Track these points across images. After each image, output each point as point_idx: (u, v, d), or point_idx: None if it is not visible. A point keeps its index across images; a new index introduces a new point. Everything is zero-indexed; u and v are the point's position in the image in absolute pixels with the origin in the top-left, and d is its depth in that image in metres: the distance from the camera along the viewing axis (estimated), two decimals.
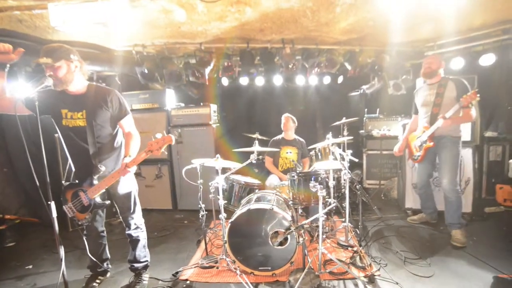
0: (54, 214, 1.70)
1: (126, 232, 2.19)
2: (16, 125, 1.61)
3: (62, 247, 1.70)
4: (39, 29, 2.63)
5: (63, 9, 2.24)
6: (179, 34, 3.10)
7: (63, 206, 1.98)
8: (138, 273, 2.25)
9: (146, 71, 3.56)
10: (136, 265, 2.24)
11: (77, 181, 1.95)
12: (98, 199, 1.92)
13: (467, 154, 3.15)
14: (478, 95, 2.39)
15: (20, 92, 2.89)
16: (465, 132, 3.25)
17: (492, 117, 3.78)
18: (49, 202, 1.67)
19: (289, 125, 3.43)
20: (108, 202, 1.99)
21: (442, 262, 2.35)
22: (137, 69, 3.59)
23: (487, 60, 3.20)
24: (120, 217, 2.21)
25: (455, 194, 2.65)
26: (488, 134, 3.65)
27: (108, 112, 1.94)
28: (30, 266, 2.61)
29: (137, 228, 2.22)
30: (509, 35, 3.00)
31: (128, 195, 2.15)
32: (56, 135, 3.27)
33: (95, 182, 1.89)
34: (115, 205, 2.19)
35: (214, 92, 4.61)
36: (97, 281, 2.24)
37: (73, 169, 2.02)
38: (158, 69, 3.60)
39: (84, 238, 2.08)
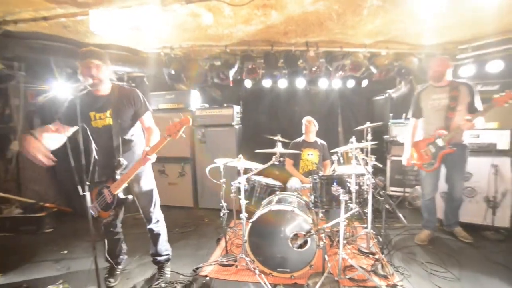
0: (89, 204, 1.83)
1: (148, 227, 2.29)
2: (56, 119, 1.76)
3: (95, 235, 1.81)
4: (80, 33, 2.84)
5: (101, 15, 2.41)
6: (205, 36, 3.20)
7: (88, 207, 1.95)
8: (160, 266, 2.35)
9: (173, 72, 3.70)
10: (158, 258, 2.33)
11: (100, 179, 2.04)
12: (121, 195, 1.97)
13: (504, 164, 2.94)
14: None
15: (60, 91, 3.16)
16: (504, 140, 3.05)
17: None
18: (84, 193, 1.80)
19: (311, 128, 3.41)
20: (130, 197, 2.05)
21: (473, 278, 2.21)
22: (164, 70, 3.74)
23: None
24: (141, 212, 2.31)
25: (460, 198, 2.79)
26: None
27: (132, 110, 2.06)
28: (65, 251, 2.83)
29: (157, 222, 2.31)
30: None
31: (149, 191, 2.26)
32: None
33: (118, 177, 1.96)
34: (136, 201, 2.25)
35: (237, 93, 4.68)
36: (117, 272, 2.36)
37: (97, 169, 2.08)
38: (184, 71, 3.73)
39: (105, 238, 2.18)
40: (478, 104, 2.53)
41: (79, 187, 1.74)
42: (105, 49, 3.28)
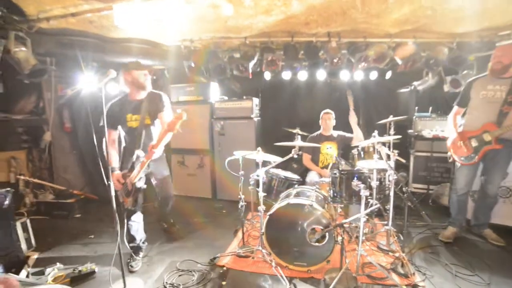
0: (113, 193, 1.92)
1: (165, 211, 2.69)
2: (83, 113, 1.88)
3: (119, 222, 1.92)
4: (104, 28, 2.93)
5: (125, 9, 2.46)
6: (225, 28, 3.18)
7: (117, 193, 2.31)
8: None
9: (192, 64, 3.73)
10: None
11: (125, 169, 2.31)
12: (138, 183, 2.21)
13: None
14: None
15: (87, 84, 3.30)
16: None
17: None
18: (109, 182, 1.90)
19: (331, 122, 3.34)
20: (144, 186, 2.29)
21: (505, 283, 2.08)
22: (184, 63, 3.78)
23: None
24: (159, 198, 2.60)
25: (496, 198, 2.66)
26: None
27: (158, 111, 2.37)
28: (92, 236, 3.01)
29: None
30: None
31: (166, 178, 2.59)
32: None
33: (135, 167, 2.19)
34: (155, 189, 2.54)
35: (257, 86, 4.66)
36: (138, 258, 2.49)
37: (123, 160, 2.38)
38: (204, 63, 3.75)
39: (126, 224, 2.37)
40: None
41: (104, 177, 1.85)
42: (128, 43, 3.41)
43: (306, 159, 3.39)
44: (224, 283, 2.14)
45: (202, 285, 2.13)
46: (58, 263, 2.32)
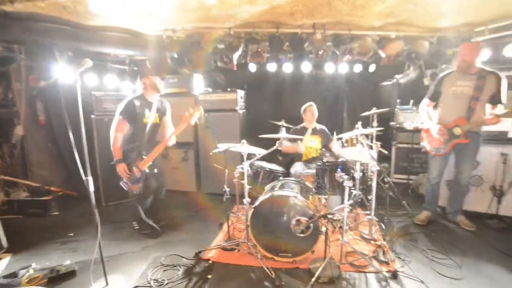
0: (92, 188, 1.84)
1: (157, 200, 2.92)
2: (58, 105, 1.77)
3: (98, 219, 1.84)
4: (80, 15, 2.75)
5: None
6: (208, 18, 3.08)
7: (120, 183, 2.64)
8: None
9: (175, 55, 3.62)
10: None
11: (130, 160, 2.60)
12: (147, 170, 2.63)
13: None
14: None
15: (62, 74, 3.12)
16: None
17: None
18: (87, 177, 1.82)
19: (314, 114, 3.34)
20: (155, 170, 2.70)
21: (474, 265, 2.22)
22: (167, 53, 3.65)
23: None
24: (156, 185, 2.85)
25: (468, 188, 2.80)
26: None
27: (163, 114, 2.83)
28: (72, 234, 2.89)
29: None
30: None
31: (162, 169, 2.94)
32: (92, 116, 3.50)
33: (144, 157, 2.60)
34: (154, 178, 2.79)
35: (241, 78, 4.59)
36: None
37: (129, 152, 2.64)
38: (187, 54, 3.64)
39: (139, 207, 2.77)
40: (503, 96, 2.45)
41: (82, 172, 1.76)
42: (106, 32, 3.24)
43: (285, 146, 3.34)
44: (209, 276, 2.13)
45: (187, 280, 2.11)
46: (33, 264, 2.20)
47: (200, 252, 2.42)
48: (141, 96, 2.68)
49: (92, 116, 3.51)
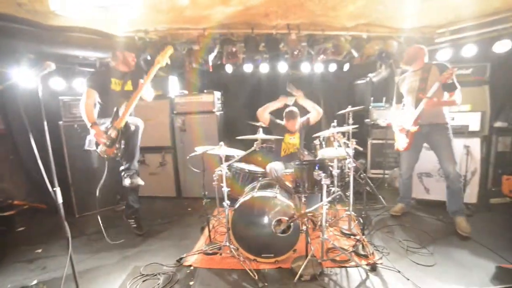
0: (60, 200, 1.72)
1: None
2: (19, 112, 1.63)
3: (69, 232, 1.73)
4: (40, 14, 2.57)
5: None
6: (182, 19, 3.02)
7: (97, 150, 2.56)
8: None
9: (148, 57, 3.50)
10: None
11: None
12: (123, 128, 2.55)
13: (474, 145, 3.10)
14: (456, 69, 2.48)
15: (22, 78, 2.89)
16: (474, 122, 3.19)
17: (504, 107, 3.66)
18: (54, 189, 1.70)
19: (295, 123, 3.20)
20: (133, 127, 2.65)
21: (445, 252, 2.36)
22: (139, 55, 3.53)
23: (502, 47, 3.05)
24: (124, 158, 2.73)
25: (459, 178, 2.67)
26: (498, 124, 3.55)
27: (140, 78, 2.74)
28: (40, 250, 2.68)
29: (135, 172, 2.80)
30: None
31: (135, 142, 2.78)
32: (60, 122, 3.30)
33: (120, 114, 2.54)
34: (124, 150, 2.66)
35: (218, 79, 4.54)
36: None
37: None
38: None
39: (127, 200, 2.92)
40: (455, 82, 2.56)
41: (48, 184, 1.64)
42: (72, 32, 3.06)
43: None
44: (191, 283, 2.08)
45: None
46: None
47: (181, 258, 2.36)
48: (108, 67, 2.79)
49: (60, 122, 3.30)
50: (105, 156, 2.58)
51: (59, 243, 2.76)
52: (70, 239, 1.74)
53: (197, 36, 3.48)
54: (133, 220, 2.93)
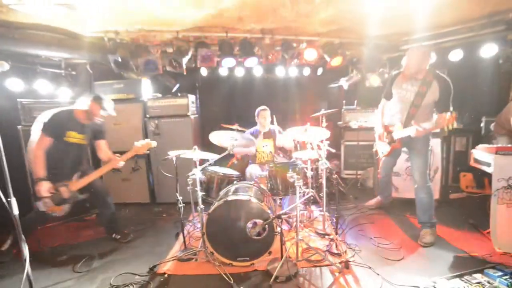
0: (16, 211, 1.59)
1: (110, 212, 2.81)
2: None
3: (26, 248, 1.58)
4: None
5: None
6: (154, 21, 2.95)
7: (36, 202, 2.36)
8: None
9: (119, 59, 3.37)
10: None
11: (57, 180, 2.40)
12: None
13: (436, 145, 3.32)
14: (456, 122, 2.15)
15: None
16: None
17: (459, 110, 3.98)
18: (8, 199, 1.56)
19: (267, 119, 3.38)
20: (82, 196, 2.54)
21: (411, 246, 2.50)
22: (110, 57, 3.38)
23: (456, 55, 3.35)
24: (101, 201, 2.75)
25: (426, 190, 2.53)
26: (455, 125, 3.86)
27: (99, 138, 2.77)
28: None
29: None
30: (474, 33, 3.14)
31: (105, 189, 2.81)
32: (19, 127, 3.06)
33: (76, 177, 2.50)
34: (95, 193, 2.67)
35: (193, 82, 4.48)
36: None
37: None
38: (133, 58, 3.43)
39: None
40: (446, 104, 2.37)
41: (1, 194, 1.50)
42: (34, 30, 2.87)
43: None
44: None
45: None
46: None
47: (154, 266, 2.28)
48: (71, 113, 2.50)
49: (19, 126, 3.06)
50: (50, 212, 2.41)
51: (14, 260, 2.46)
52: (27, 254, 1.59)
53: (170, 39, 3.42)
54: (114, 233, 2.85)
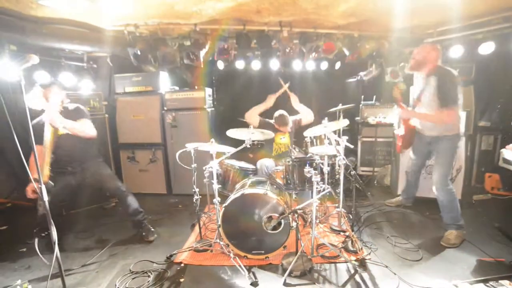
0: (45, 197, 1.67)
1: (131, 210, 2.69)
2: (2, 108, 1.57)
3: (55, 230, 1.68)
4: (21, 3, 2.46)
5: None
6: (172, 14, 2.96)
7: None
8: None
9: (138, 52, 3.43)
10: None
11: None
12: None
13: (460, 143, 3.17)
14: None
15: (3, 71, 2.78)
16: (461, 122, 3.26)
17: (487, 107, 3.78)
18: (39, 186, 1.65)
19: (286, 125, 3.27)
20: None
21: (430, 247, 2.42)
22: (129, 50, 3.45)
23: (487, 48, 3.14)
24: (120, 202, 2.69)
25: (444, 193, 2.46)
26: (482, 123, 3.67)
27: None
28: (24, 249, 2.60)
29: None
30: (509, 23, 2.93)
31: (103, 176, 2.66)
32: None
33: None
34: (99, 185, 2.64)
35: (210, 75, 4.50)
36: None
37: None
38: (152, 51, 3.48)
39: None
40: (449, 96, 2.29)
41: (32, 178, 1.59)
42: (57, 24, 2.96)
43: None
44: (182, 280, 2.07)
45: (158, 285, 2.02)
46: None
47: (171, 255, 2.35)
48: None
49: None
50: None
51: (45, 241, 2.67)
52: (56, 237, 1.69)
53: (188, 32, 3.43)
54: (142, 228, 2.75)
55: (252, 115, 3.37)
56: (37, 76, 3.28)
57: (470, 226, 2.73)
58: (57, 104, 2.42)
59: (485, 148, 3.71)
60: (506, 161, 2.48)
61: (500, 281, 1.85)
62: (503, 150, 2.56)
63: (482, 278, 1.92)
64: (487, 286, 1.83)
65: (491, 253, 2.24)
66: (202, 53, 3.41)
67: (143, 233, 2.71)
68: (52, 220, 1.67)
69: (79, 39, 3.28)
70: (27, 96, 1.90)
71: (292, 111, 3.47)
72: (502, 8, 2.86)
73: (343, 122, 2.68)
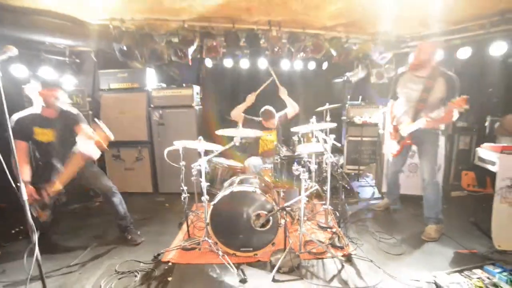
0: (25, 196, 1.60)
1: (117, 211, 2.59)
2: None
3: (35, 232, 1.60)
4: None
5: None
6: (161, 9, 2.91)
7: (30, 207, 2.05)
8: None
9: (124, 48, 3.34)
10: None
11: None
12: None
13: (440, 143, 3.31)
14: (467, 104, 2.14)
15: None
16: None
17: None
18: (18, 184, 1.58)
19: (272, 118, 3.30)
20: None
21: (412, 241, 2.53)
22: (115, 45, 3.35)
23: (464, 53, 3.31)
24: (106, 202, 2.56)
25: (433, 186, 2.54)
26: (459, 124, 3.85)
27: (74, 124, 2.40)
28: None
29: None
30: (485, 30, 3.10)
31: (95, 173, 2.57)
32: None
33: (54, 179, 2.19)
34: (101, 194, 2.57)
35: (198, 73, 4.46)
36: None
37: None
38: (138, 47, 3.39)
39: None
40: (453, 98, 2.27)
41: (11, 179, 1.51)
42: (39, 16, 2.83)
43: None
44: (170, 279, 2.05)
45: (145, 285, 1.99)
46: None
47: (158, 254, 2.32)
48: (35, 112, 2.30)
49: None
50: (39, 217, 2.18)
51: (20, 242, 2.57)
52: (36, 236, 1.62)
53: (176, 28, 3.38)
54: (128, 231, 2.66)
55: (237, 113, 3.39)
56: (14, 69, 3.13)
57: (449, 221, 2.87)
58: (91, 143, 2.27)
59: (463, 147, 3.90)
60: (481, 159, 2.62)
61: (474, 270, 2.00)
62: (478, 149, 2.70)
63: (458, 268, 2.04)
64: (462, 275, 1.96)
65: (466, 245, 2.38)
66: (190, 50, 3.37)
67: (129, 237, 2.62)
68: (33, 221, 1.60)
69: (60, 32, 3.14)
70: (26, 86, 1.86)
71: (278, 108, 3.50)
72: (479, 16, 3.02)
73: (331, 124, 2.72)
